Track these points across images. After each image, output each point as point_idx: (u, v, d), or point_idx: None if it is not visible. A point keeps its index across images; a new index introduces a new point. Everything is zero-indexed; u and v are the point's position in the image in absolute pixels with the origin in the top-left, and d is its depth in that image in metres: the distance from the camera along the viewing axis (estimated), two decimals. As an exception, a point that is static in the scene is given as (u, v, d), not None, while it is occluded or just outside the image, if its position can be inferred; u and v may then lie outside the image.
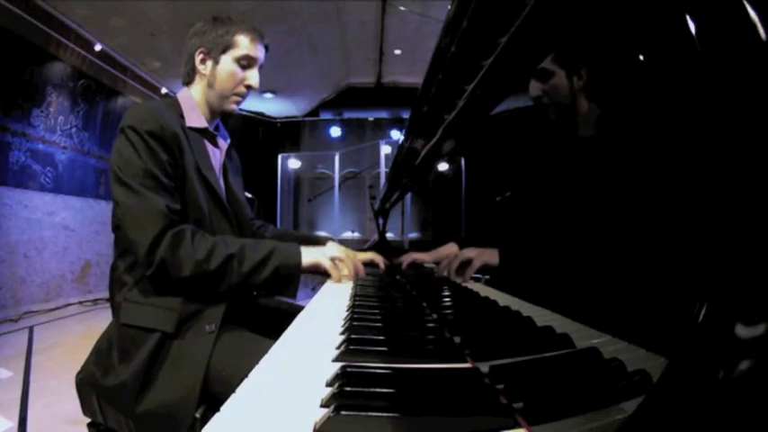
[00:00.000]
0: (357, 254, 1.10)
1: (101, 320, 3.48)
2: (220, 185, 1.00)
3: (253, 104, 6.75)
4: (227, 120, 1.07)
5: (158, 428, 0.75)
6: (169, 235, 0.80)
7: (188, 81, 1.01)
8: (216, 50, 0.97)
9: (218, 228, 0.94)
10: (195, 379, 0.75)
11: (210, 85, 0.98)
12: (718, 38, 0.20)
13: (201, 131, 0.97)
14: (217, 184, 0.96)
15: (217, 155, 1.03)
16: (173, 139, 0.86)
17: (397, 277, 1.16)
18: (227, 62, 0.97)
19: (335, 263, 1.00)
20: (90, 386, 0.84)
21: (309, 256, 0.95)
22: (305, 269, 0.94)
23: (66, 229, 4.13)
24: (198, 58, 0.97)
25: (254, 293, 1.11)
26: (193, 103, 0.98)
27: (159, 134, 0.84)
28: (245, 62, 0.98)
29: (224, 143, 1.07)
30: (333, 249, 1.04)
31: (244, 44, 0.97)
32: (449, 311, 0.67)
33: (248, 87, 1.00)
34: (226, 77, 0.97)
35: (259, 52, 1.00)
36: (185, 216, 0.87)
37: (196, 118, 0.97)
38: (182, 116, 0.94)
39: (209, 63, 0.97)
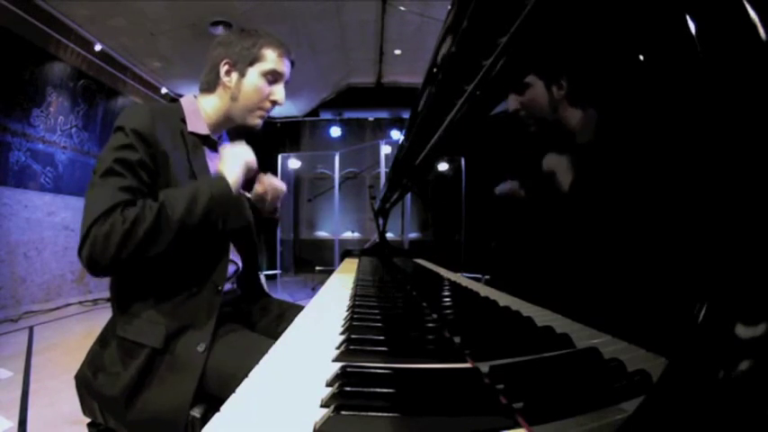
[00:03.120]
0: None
1: (101, 320, 3.45)
2: None
3: (253, 104, 6.75)
4: (249, 131, 1.03)
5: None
6: (99, 221, 0.73)
7: (207, 89, 0.97)
8: (242, 63, 0.93)
9: None
10: (187, 392, 0.74)
11: (234, 98, 0.94)
12: (719, 38, 0.20)
13: (203, 138, 0.95)
14: None
15: (216, 162, 0.99)
16: (159, 140, 0.82)
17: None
18: (253, 75, 0.94)
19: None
20: (86, 388, 0.84)
21: (230, 170, 0.87)
22: (237, 187, 0.86)
23: (66, 229, 4.13)
24: (223, 69, 0.93)
25: (221, 229, 0.92)
26: (196, 108, 0.95)
27: (145, 133, 0.80)
28: (272, 77, 0.95)
29: None
30: (236, 156, 0.92)
31: (271, 58, 0.94)
32: (449, 311, 0.67)
33: (273, 102, 0.98)
34: (252, 91, 0.94)
35: (285, 67, 0.97)
36: None
37: (198, 124, 0.94)
38: (183, 121, 0.91)
39: (235, 75, 0.94)
